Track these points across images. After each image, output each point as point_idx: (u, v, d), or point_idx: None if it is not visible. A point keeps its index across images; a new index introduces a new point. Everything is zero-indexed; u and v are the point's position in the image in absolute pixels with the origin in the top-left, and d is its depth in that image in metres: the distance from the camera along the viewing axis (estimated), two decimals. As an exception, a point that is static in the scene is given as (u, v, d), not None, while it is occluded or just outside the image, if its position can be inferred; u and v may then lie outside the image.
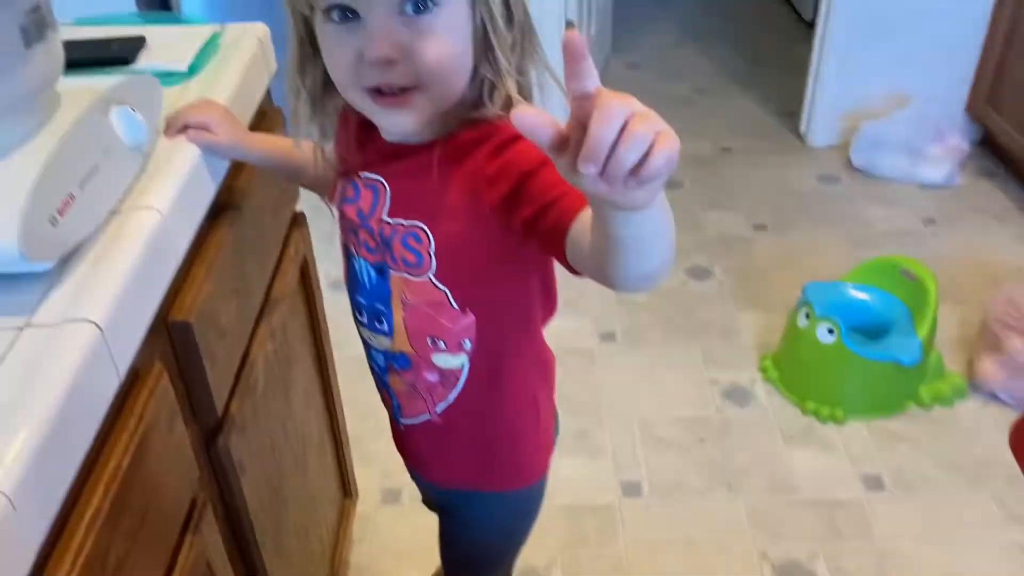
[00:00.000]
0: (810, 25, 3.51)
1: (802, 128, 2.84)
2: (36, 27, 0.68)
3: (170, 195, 0.78)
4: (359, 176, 0.79)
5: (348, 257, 0.85)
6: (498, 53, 0.69)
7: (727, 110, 3.07)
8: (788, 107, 3.03)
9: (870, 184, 2.60)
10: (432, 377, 0.84)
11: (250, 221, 0.97)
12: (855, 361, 1.74)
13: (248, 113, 1.02)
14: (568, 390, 1.88)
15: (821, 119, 2.76)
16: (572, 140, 0.45)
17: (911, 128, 2.56)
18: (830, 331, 1.75)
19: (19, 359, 0.60)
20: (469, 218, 0.72)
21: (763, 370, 1.92)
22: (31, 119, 0.71)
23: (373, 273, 0.81)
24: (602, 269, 0.58)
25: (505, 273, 0.78)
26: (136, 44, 0.99)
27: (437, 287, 0.77)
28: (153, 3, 2.50)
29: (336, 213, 0.85)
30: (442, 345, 0.81)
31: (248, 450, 0.92)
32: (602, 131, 0.42)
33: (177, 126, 0.85)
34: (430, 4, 0.65)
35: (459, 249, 0.75)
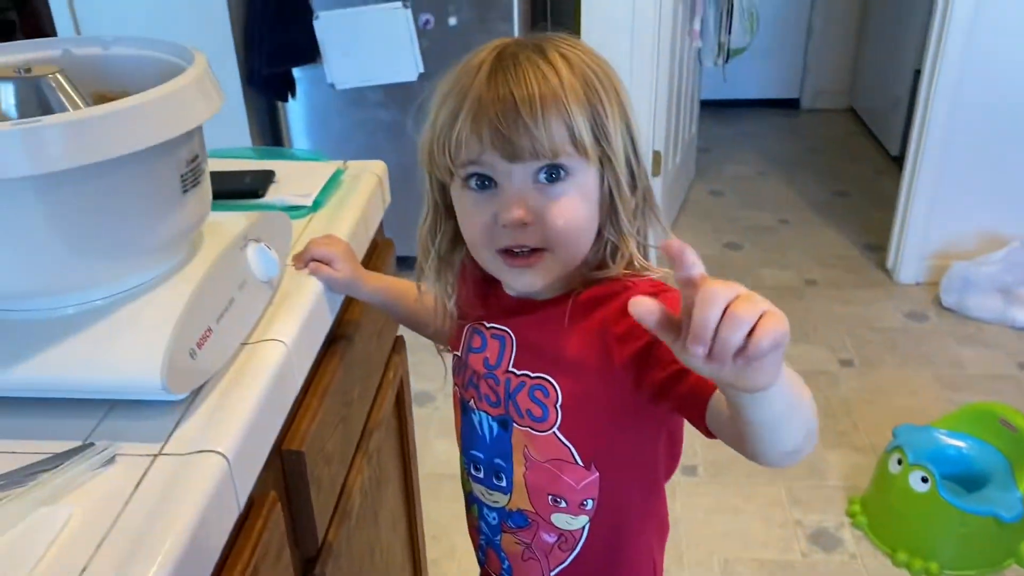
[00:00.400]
0: (896, 159, 3.54)
1: (889, 263, 2.81)
2: (193, 175, 0.74)
3: (294, 327, 0.82)
4: (485, 326, 0.81)
5: (465, 411, 0.86)
6: (622, 217, 0.73)
7: (811, 241, 3.07)
8: (873, 241, 3.02)
9: (961, 324, 2.54)
10: (550, 538, 0.83)
11: (359, 349, 1.01)
12: (951, 513, 1.66)
13: (364, 245, 1.07)
14: (647, 523, 1.84)
15: (909, 256, 2.73)
16: (683, 326, 0.48)
17: (1006, 269, 2.51)
18: (924, 479, 1.68)
19: (152, 488, 0.63)
20: (597, 373, 0.73)
21: (851, 514, 1.86)
22: (180, 255, 0.77)
23: (496, 426, 0.81)
24: (743, 447, 0.59)
25: (633, 429, 0.77)
26: (267, 177, 1.06)
27: (562, 442, 0.77)
28: (267, 139, 2.67)
29: (454, 363, 0.87)
30: (563, 504, 0.80)
31: (340, 578, 0.92)
32: (706, 314, 0.46)
33: (304, 259, 0.90)
34: (562, 173, 0.69)
35: (586, 404, 0.75)
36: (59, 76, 0.71)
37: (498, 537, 0.87)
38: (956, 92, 2.51)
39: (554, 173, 0.69)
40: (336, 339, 0.96)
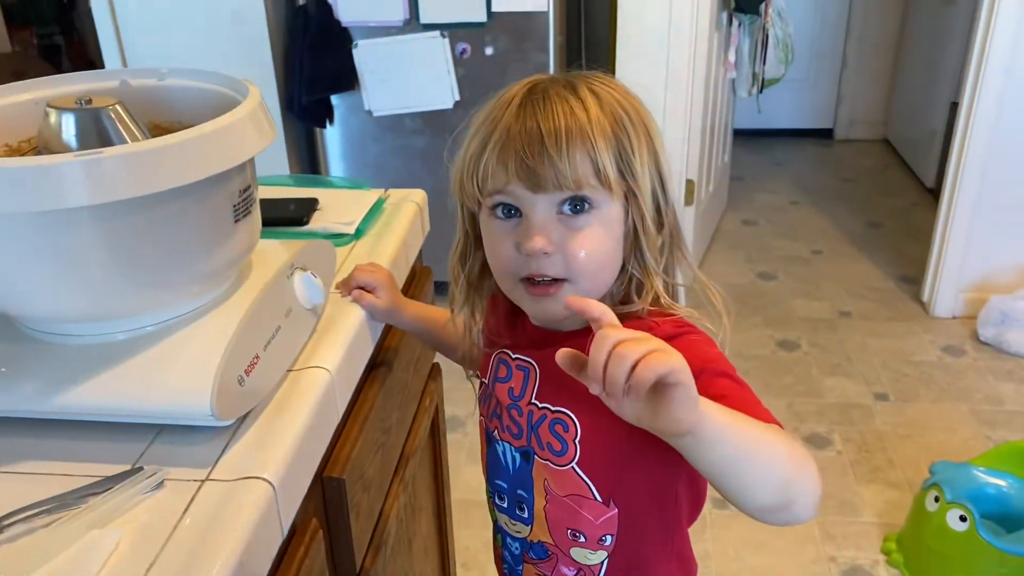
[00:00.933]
0: (931, 191, 3.51)
1: (924, 296, 2.78)
2: (245, 204, 0.75)
3: (338, 355, 0.83)
4: (511, 356, 0.82)
5: (490, 441, 0.86)
6: (646, 253, 0.73)
7: (845, 273, 3.05)
8: (908, 273, 2.99)
9: (999, 360, 2.50)
10: (569, 572, 0.83)
11: (398, 377, 1.01)
12: (990, 554, 1.63)
13: (404, 273, 1.08)
14: (678, 555, 1.82)
15: (945, 289, 2.70)
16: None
17: (1045, 305, 2.47)
18: (962, 518, 1.65)
19: (199, 514, 0.64)
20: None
21: (887, 552, 1.83)
22: (229, 282, 0.78)
23: (518, 457, 0.82)
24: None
25: (651, 468, 0.77)
26: (311, 205, 1.08)
27: (580, 478, 0.77)
28: (304, 165, 2.71)
29: (480, 392, 0.88)
30: (582, 539, 0.80)
31: (376, 605, 0.93)
32: (596, 354, 0.54)
33: (349, 286, 0.91)
34: (586, 205, 0.70)
35: (604, 440, 0.75)
36: (118, 107, 0.73)
37: (520, 567, 0.88)
38: (995, 124, 2.49)
39: (578, 205, 0.70)
40: (376, 366, 0.97)
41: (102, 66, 2.54)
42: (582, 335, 0.76)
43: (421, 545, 1.19)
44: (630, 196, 0.72)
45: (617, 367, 0.52)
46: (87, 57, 4.22)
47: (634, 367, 0.52)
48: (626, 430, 0.73)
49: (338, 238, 1.03)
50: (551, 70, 2.45)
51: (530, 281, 0.73)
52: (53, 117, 0.72)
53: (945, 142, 3.08)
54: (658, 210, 0.74)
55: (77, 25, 4.25)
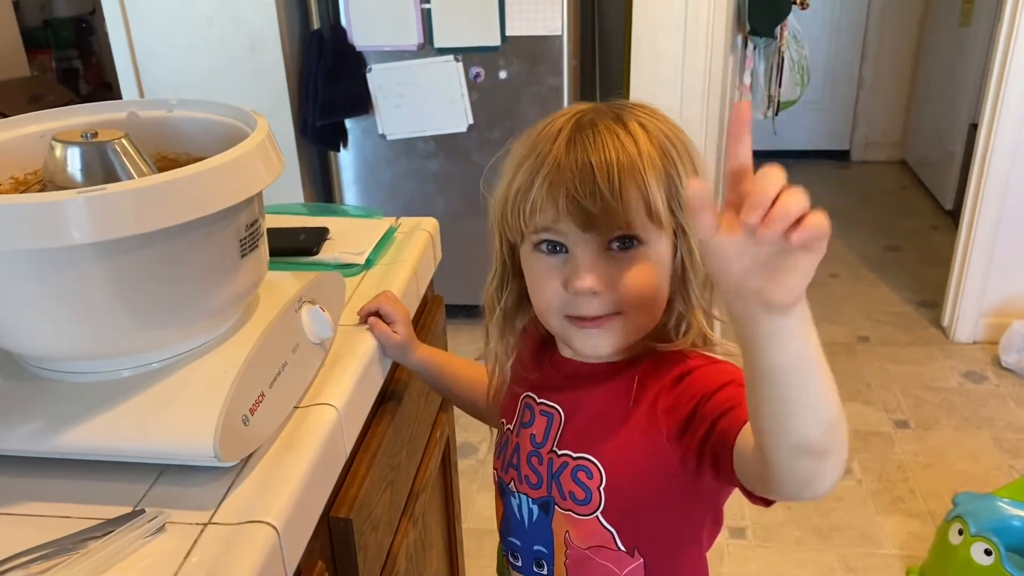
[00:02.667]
0: (950, 213, 3.47)
1: (944, 321, 2.74)
2: (251, 239, 0.74)
3: (346, 391, 0.81)
4: (535, 400, 0.80)
5: (504, 494, 0.84)
6: (692, 288, 0.72)
7: (862, 297, 3.01)
8: (928, 297, 2.95)
9: (1022, 386, 2.45)
10: None
11: (408, 411, 0.99)
12: (1016, 589, 1.59)
13: (416, 302, 1.06)
14: (694, 587, 1.79)
15: (966, 313, 2.66)
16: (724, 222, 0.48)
17: (1068, 331, 2.43)
18: (987, 552, 1.61)
19: (201, 560, 0.62)
20: (644, 455, 0.71)
21: (909, 586, 1.78)
22: (235, 318, 0.77)
23: (536, 510, 0.79)
24: (760, 450, 0.56)
25: (677, 515, 0.75)
26: (321, 235, 1.07)
27: (604, 527, 0.75)
28: (318, 188, 2.71)
29: (497, 440, 0.85)
30: None
31: (384, 646, 0.90)
32: (766, 185, 0.47)
33: (369, 310, 0.90)
34: (635, 242, 0.69)
35: (631, 487, 0.73)
36: (124, 141, 0.72)
37: None
38: (1015, 145, 2.46)
39: (628, 242, 0.69)
40: (386, 399, 0.95)
41: (119, 90, 2.55)
42: (615, 372, 0.74)
43: (432, 580, 1.16)
44: (678, 231, 0.70)
45: (790, 203, 0.46)
46: (105, 81, 4.25)
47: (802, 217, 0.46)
48: (653, 478, 0.72)
49: (348, 268, 1.02)
50: (565, 94, 2.44)
51: (577, 317, 0.71)
52: (59, 151, 0.71)
53: (964, 163, 3.04)
54: None
55: (95, 49, 4.29)
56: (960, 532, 1.66)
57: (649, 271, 0.69)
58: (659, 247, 0.70)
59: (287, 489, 0.68)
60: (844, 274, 3.19)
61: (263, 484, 0.69)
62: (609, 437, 0.73)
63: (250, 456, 0.71)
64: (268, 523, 0.65)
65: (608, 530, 0.75)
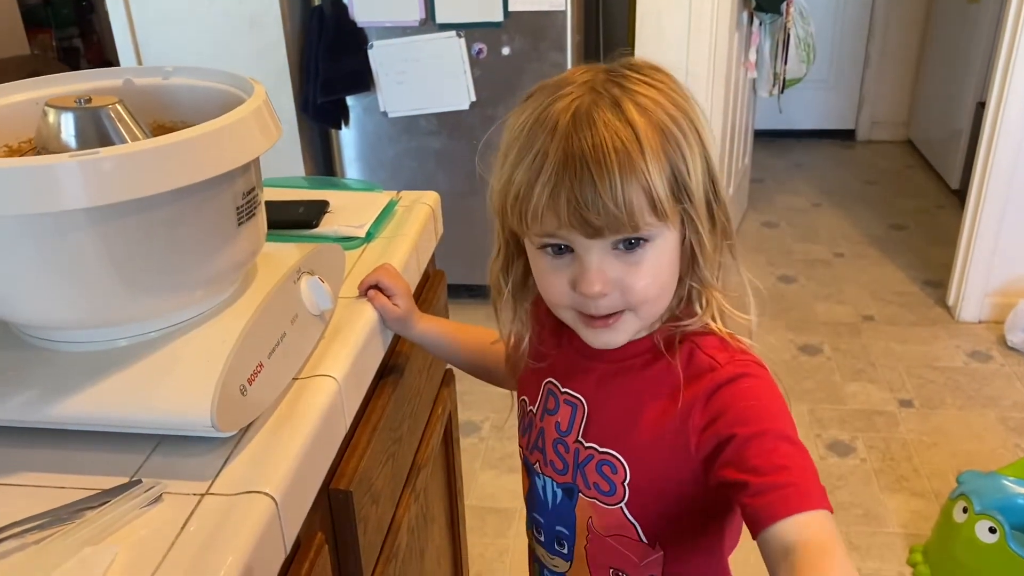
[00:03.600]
0: (956, 192, 3.45)
1: (950, 301, 2.73)
2: (249, 207, 0.72)
3: (346, 363, 0.80)
4: (559, 389, 0.79)
5: (529, 473, 0.83)
6: (703, 268, 0.70)
7: (867, 276, 2.99)
8: (933, 277, 2.93)
9: (1027, 365, 2.45)
10: None
11: (409, 384, 0.99)
12: (1020, 566, 1.58)
13: (417, 276, 1.05)
14: (697, 565, 1.78)
15: (972, 293, 2.64)
16: None
17: (1075, 310, 2.41)
18: (992, 530, 1.60)
19: (198, 530, 0.61)
20: (671, 460, 0.70)
21: (912, 563, 1.78)
22: (233, 287, 0.76)
23: (560, 493, 0.78)
24: None
25: (702, 512, 0.74)
26: (321, 208, 1.05)
27: (627, 519, 0.74)
28: (319, 166, 2.70)
29: (521, 420, 0.84)
30: None
31: (385, 620, 0.90)
32: None
33: (368, 283, 0.89)
34: (642, 241, 0.66)
35: (655, 487, 0.72)
36: (118, 107, 0.71)
37: None
38: (1023, 124, 2.43)
39: (634, 241, 0.66)
40: (387, 373, 0.94)
41: (118, 68, 2.53)
42: (636, 357, 0.73)
43: (434, 555, 1.16)
44: (686, 217, 0.68)
45: None
46: (106, 59, 4.23)
47: None
48: (677, 479, 0.71)
49: (348, 241, 1.00)
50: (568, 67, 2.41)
51: (586, 314, 0.70)
52: (52, 116, 0.70)
53: (971, 142, 3.02)
54: (711, 216, 0.70)
55: (96, 27, 4.26)
56: (964, 510, 1.66)
57: (657, 267, 0.68)
58: (666, 240, 0.68)
59: (285, 460, 0.67)
60: (849, 253, 3.17)
61: (261, 455, 0.68)
62: (635, 435, 0.72)
63: (248, 427, 0.70)
64: (266, 493, 0.64)
65: (631, 522, 0.74)
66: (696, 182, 0.67)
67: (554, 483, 0.79)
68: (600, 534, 0.76)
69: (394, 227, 1.07)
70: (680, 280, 0.71)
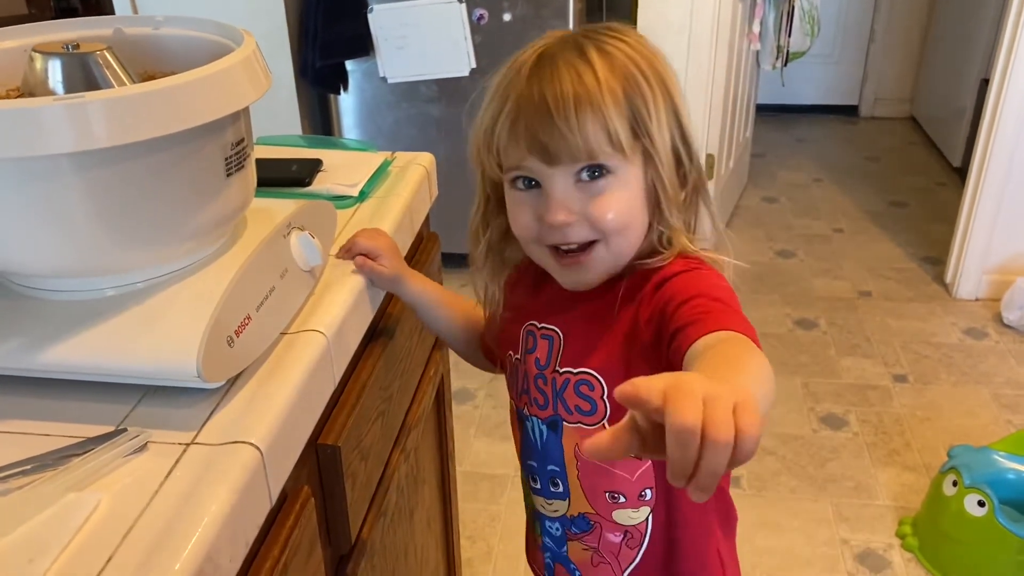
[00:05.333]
0: (958, 170, 3.43)
1: (948, 278, 2.72)
2: (238, 158, 0.72)
3: (335, 319, 0.80)
4: (536, 327, 0.81)
5: (520, 421, 0.85)
6: (665, 210, 0.72)
7: (866, 252, 2.99)
8: (931, 254, 2.93)
9: (1023, 343, 2.44)
10: (616, 538, 0.81)
11: (401, 344, 0.98)
12: (1008, 540, 1.59)
13: (409, 238, 1.05)
14: (687, 534, 1.80)
15: (969, 270, 2.64)
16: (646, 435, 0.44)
17: (1072, 288, 2.41)
18: (980, 503, 1.61)
19: (182, 478, 0.61)
20: (635, 362, 0.72)
21: (901, 536, 1.79)
22: (222, 240, 0.75)
23: (545, 430, 0.81)
24: None
25: None
26: (314, 166, 1.05)
27: None
28: (318, 132, 2.68)
29: (508, 373, 0.85)
30: (622, 499, 0.79)
31: (373, 576, 0.90)
32: (681, 454, 0.41)
33: (350, 252, 0.88)
34: (604, 171, 0.69)
35: None
36: (107, 54, 0.70)
37: (564, 548, 0.86)
38: (1026, 102, 2.42)
39: (596, 171, 0.69)
40: (377, 333, 0.94)
41: (115, 28, 2.51)
42: (608, 289, 0.75)
43: (423, 516, 1.16)
44: (647, 157, 0.71)
45: (713, 460, 0.41)
46: (104, 21, 4.18)
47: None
48: (647, 368, 0.72)
49: (341, 200, 1.00)
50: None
51: (557, 250, 0.73)
52: (39, 62, 0.69)
53: (974, 120, 3.00)
54: (679, 163, 0.73)
55: (94, -11, 4.21)
56: (954, 484, 1.67)
57: (620, 197, 0.70)
58: (628, 173, 0.70)
59: (272, 411, 0.67)
60: (848, 229, 3.16)
61: (248, 406, 0.68)
62: (601, 348, 0.75)
63: (235, 379, 0.70)
64: (251, 444, 0.64)
65: None
66: (659, 126, 0.70)
67: (539, 421, 0.81)
68: (589, 460, 0.78)
69: (388, 187, 1.06)
70: (650, 227, 0.73)
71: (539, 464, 0.83)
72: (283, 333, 0.76)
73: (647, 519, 0.80)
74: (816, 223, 3.21)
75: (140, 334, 0.67)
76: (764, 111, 3.89)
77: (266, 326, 0.73)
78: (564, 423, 0.79)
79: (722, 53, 2.56)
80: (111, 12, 2.62)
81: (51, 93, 0.68)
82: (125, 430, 0.64)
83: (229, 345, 0.67)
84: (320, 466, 0.79)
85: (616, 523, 0.81)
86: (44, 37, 0.77)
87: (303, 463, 0.74)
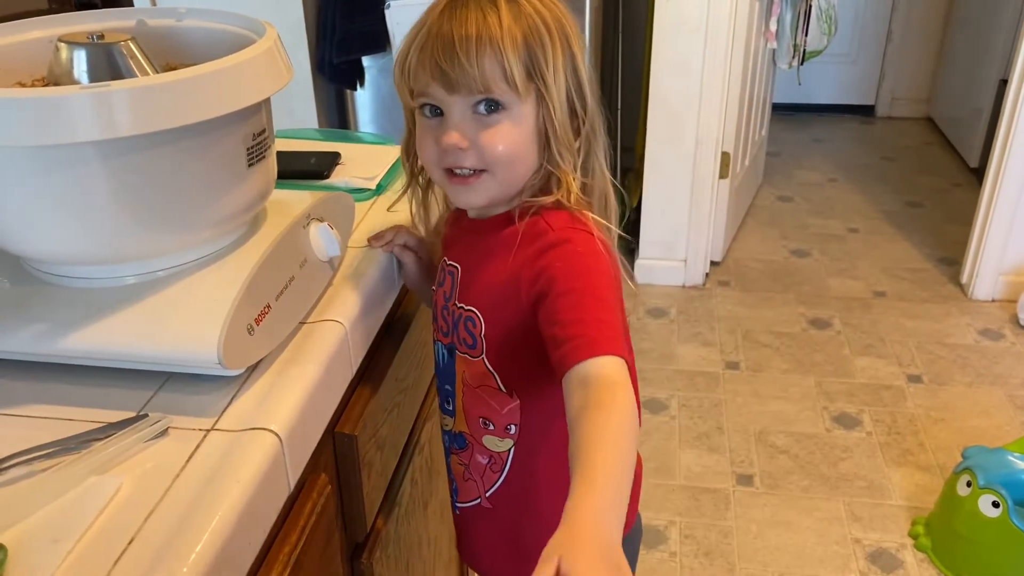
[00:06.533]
0: (975, 171, 3.41)
1: (963, 278, 2.71)
2: (259, 149, 0.73)
3: (354, 309, 0.81)
4: (446, 263, 0.87)
5: (434, 343, 0.91)
6: (555, 152, 0.78)
7: (881, 252, 2.97)
8: (947, 254, 2.91)
9: (1039, 344, 2.43)
10: (483, 459, 0.88)
11: (416, 336, 0.99)
12: (1022, 541, 1.58)
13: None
14: (700, 532, 1.80)
15: (986, 271, 2.62)
16: None
17: (1089, 290, 2.39)
18: (995, 504, 1.61)
19: (202, 463, 0.62)
20: (512, 307, 0.78)
21: (914, 536, 1.78)
22: (242, 230, 0.76)
23: (446, 354, 0.87)
24: None
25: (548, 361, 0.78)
26: (332, 159, 1.05)
27: (488, 369, 0.82)
28: (334, 126, 2.69)
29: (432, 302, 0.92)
30: (491, 427, 0.86)
31: (386, 567, 0.91)
32: None
33: (390, 239, 0.92)
34: (498, 106, 0.75)
35: (504, 334, 0.80)
36: (131, 44, 0.71)
37: (449, 459, 0.94)
38: (1045, 102, 2.40)
39: (491, 105, 0.75)
40: (394, 324, 0.95)
41: (134, 23, 2.52)
42: (500, 226, 0.80)
43: (437, 508, 1.17)
44: (540, 99, 0.76)
45: None
46: (122, 16, 4.21)
47: None
48: (522, 330, 0.78)
49: (359, 193, 1.00)
50: (587, 32, 2.39)
51: (452, 173, 0.78)
52: (64, 52, 0.70)
53: (992, 120, 2.98)
54: (573, 112, 0.79)
55: (113, -16, 4.24)
56: (968, 484, 1.66)
57: (510, 132, 0.76)
58: (520, 111, 0.76)
59: (291, 399, 0.68)
60: (863, 229, 3.15)
61: (267, 394, 0.69)
62: (485, 289, 0.81)
63: (255, 367, 0.71)
64: (271, 430, 0.64)
65: (491, 371, 0.82)
66: (554, 72, 0.76)
67: (442, 345, 0.87)
68: (471, 386, 0.85)
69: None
70: (540, 167, 0.79)
71: (440, 383, 0.91)
72: (302, 322, 0.77)
73: (509, 450, 0.86)
74: (831, 223, 3.20)
75: (162, 321, 0.68)
76: (780, 110, 3.88)
77: (285, 315, 0.73)
78: (458, 352, 0.85)
79: (738, 51, 2.55)
80: (130, 5, 2.64)
81: (76, 83, 0.69)
82: (146, 416, 0.65)
83: (249, 333, 0.68)
84: (337, 454, 0.79)
85: (485, 447, 0.87)
86: (69, 28, 0.78)
87: (320, 451, 0.75)
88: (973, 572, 1.66)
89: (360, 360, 0.83)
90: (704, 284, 2.78)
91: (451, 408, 0.89)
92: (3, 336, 0.69)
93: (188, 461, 0.62)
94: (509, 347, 0.81)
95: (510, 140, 0.76)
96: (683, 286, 2.77)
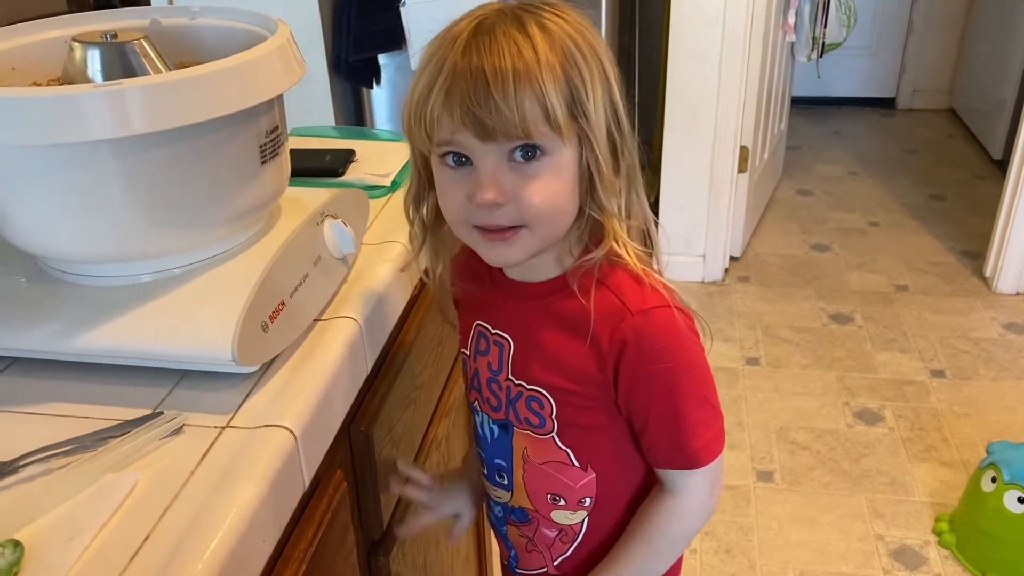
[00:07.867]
0: (998, 163, 3.37)
1: (987, 272, 2.67)
2: (272, 146, 0.72)
3: (368, 306, 0.81)
4: (489, 331, 0.80)
5: (473, 411, 0.85)
6: (601, 195, 0.69)
7: (903, 245, 2.94)
8: (971, 247, 2.88)
9: (1065, 338, 2.40)
10: (551, 532, 0.83)
11: (432, 333, 0.99)
12: (1049, 537, 1.56)
13: (440, 227, 1.05)
14: (719, 530, 1.79)
15: (1010, 264, 2.59)
16: None
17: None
18: (1020, 500, 1.59)
19: (218, 460, 0.62)
20: (591, 394, 0.74)
21: (938, 532, 1.76)
22: (256, 227, 0.76)
23: (496, 429, 0.81)
24: None
25: (626, 432, 0.77)
26: (347, 156, 1.05)
27: (559, 447, 0.77)
28: (350, 122, 2.69)
29: (463, 361, 0.86)
30: (562, 502, 0.80)
31: (403, 565, 0.91)
32: None
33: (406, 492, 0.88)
34: (537, 152, 0.66)
35: (580, 414, 0.75)
36: (144, 42, 0.71)
37: (504, 528, 0.88)
38: (1070, 92, 2.36)
39: (529, 151, 0.66)
40: (409, 321, 0.95)
41: (152, 24, 2.54)
42: (555, 287, 0.74)
43: (454, 506, 1.17)
44: (583, 138, 0.68)
45: None
46: (141, 18, 4.24)
47: None
48: (601, 412, 0.75)
49: (373, 190, 1.00)
50: (603, 29, 2.38)
51: (483, 229, 0.69)
52: (78, 51, 0.70)
53: (1015, 112, 2.94)
54: (613, 149, 0.70)
55: (132, -14, 4.27)
56: (993, 480, 1.64)
57: (553, 181, 0.67)
58: (563, 156, 0.67)
59: (305, 396, 0.68)
60: (884, 222, 3.12)
61: (282, 391, 0.69)
62: (555, 371, 0.74)
63: (270, 364, 0.71)
64: (286, 427, 0.64)
65: (563, 449, 0.77)
66: (595, 105, 0.67)
67: (490, 420, 0.81)
68: (535, 463, 0.79)
69: (420, 177, 1.06)
70: (580, 211, 0.71)
71: (487, 455, 0.84)
72: (316, 319, 0.77)
73: (583, 521, 0.81)
74: (851, 216, 3.17)
75: (176, 319, 0.68)
76: (799, 103, 3.85)
77: (300, 312, 0.73)
78: (515, 428, 0.79)
79: (757, 44, 2.53)
80: (147, 4, 2.66)
81: (90, 82, 0.70)
82: (162, 413, 0.65)
83: (263, 330, 0.68)
84: (352, 451, 0.79)
85: (553, 521, 0.82)
86: (83, 28, 0.78)
87: (336, 449, 0.75)
88: (998, 569, 1.64)
89: (375, 357, 0.83)
90: (723, 280, 2.77)
91: (506, 483, 0.83)
92: (20, 335, 0.69)
93: (203, 458, 0.62)
94: (585, 427, 0.76)
95: (551, 191, 0.67)
96: (702, 282, 2.76)
